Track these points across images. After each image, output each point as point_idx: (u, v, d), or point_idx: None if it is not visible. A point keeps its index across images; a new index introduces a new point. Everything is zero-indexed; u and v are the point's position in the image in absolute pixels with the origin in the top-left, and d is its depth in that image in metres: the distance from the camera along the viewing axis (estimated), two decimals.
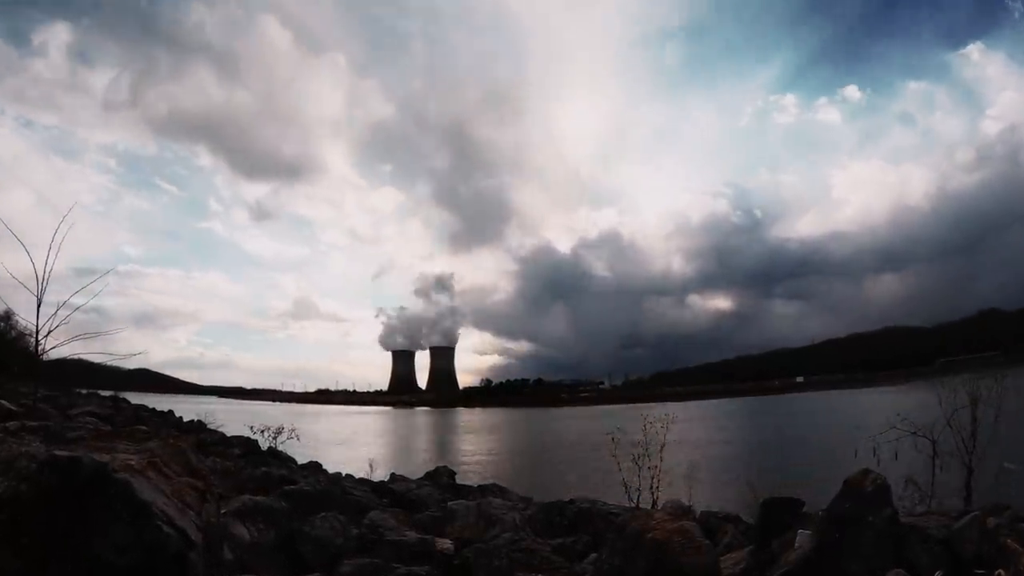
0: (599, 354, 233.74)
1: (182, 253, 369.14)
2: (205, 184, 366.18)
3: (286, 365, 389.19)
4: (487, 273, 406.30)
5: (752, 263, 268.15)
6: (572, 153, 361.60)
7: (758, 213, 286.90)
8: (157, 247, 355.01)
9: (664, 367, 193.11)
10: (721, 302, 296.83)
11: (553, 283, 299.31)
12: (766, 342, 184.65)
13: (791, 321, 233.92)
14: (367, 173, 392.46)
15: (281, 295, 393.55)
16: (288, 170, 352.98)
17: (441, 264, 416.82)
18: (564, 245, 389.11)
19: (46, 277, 6.27)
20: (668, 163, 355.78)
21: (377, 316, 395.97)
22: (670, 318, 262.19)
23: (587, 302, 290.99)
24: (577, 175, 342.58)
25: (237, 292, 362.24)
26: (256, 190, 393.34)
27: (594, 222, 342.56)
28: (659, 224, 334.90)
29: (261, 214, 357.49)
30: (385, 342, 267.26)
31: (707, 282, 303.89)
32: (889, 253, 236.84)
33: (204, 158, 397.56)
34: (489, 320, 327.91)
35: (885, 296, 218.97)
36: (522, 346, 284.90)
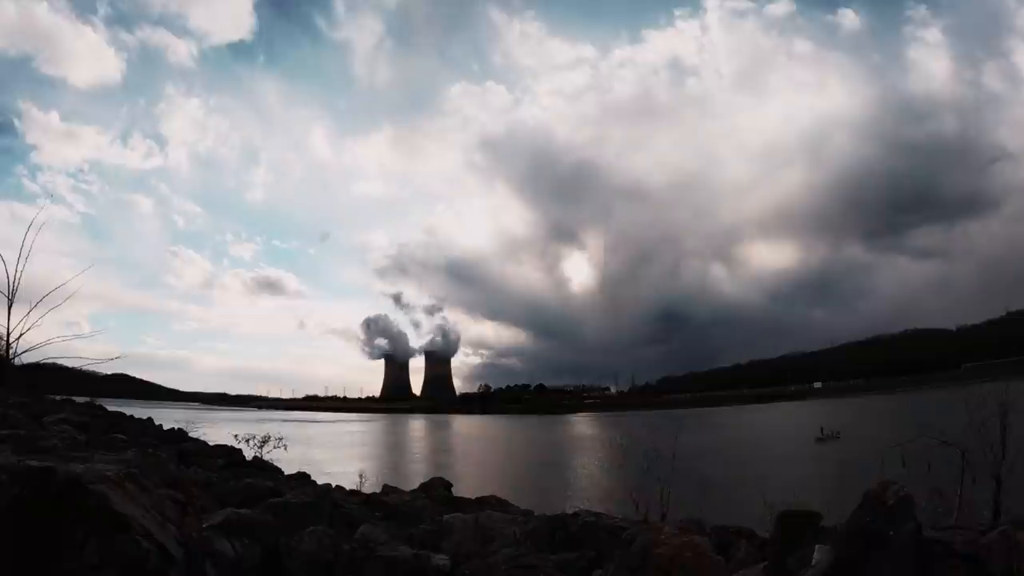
0: (613, 353, 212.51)
1: None
2: None
3: (261, 366, 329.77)
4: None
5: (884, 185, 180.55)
6: None
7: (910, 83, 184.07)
8: None
9: (675, 369, 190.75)
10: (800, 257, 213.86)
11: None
12: (778, 345, 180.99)
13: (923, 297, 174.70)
14: None
15: (166, 263, 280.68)
16: None
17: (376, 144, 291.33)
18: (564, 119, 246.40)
19: (18, 275, 6.12)
20: None
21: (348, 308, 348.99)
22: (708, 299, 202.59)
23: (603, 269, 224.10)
24: None
25: (107, 251, 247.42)
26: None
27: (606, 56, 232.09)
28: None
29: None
30: (371, 350, 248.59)
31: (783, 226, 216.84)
32: None
33: None
34: (481, 304, 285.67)
35: None
36: (522, 339, 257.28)
